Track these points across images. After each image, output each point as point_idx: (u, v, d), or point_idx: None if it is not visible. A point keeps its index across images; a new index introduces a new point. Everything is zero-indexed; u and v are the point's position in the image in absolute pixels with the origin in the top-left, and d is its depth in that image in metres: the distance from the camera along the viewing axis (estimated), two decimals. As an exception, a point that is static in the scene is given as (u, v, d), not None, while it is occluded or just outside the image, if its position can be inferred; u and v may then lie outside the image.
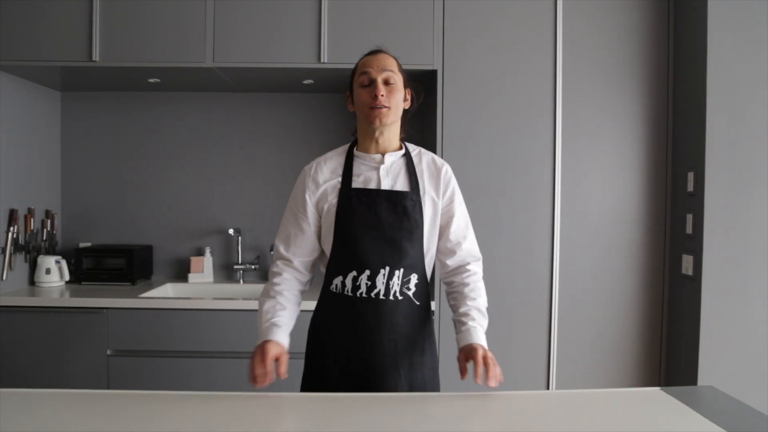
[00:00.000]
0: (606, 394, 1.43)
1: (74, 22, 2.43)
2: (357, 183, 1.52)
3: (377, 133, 1.52)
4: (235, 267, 2.93)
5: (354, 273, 1.47)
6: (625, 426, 1.18)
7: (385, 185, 1.52)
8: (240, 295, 2.83)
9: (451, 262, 1.59)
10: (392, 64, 1.54)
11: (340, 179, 1.53)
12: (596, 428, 1.16)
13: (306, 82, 2.72)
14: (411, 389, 1.51)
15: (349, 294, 1.48)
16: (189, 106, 2.99)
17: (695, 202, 2.38)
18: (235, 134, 3.00)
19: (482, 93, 2.48)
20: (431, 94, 2.53)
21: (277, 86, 2.84)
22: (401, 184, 1.54)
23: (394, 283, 1.48)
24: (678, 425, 1.19)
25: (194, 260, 2.90)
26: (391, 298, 1.48)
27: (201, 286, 2.86)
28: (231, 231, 2.92)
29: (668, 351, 2.55)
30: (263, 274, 2.98)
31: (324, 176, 1.55)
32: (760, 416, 1.26)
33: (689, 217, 2.42)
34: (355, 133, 1.62)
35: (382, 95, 1.48)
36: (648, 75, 2.52)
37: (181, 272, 2.97)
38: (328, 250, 1.53)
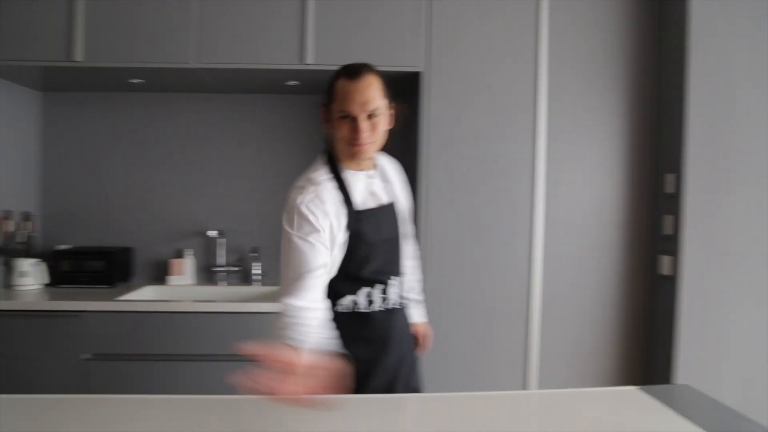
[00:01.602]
0: (583, 394, 1.43)
1: (55, 22, 2.41)
2: (359, 203, 1.48)
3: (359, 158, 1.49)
4: (216, 269, 2.91)
5: (367, 289, 1.49)
6: (601, 425, 1.18)
7: (383, 199, 1.54)
8: (221, 297, 2.80)
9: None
10: (375, 92, 1.41)
11: (343, 204, 1.45)
12: (573, 428, 1.17)
13: (290, 83, 2.72)
14: (416, 389, 1.61)
15: (363, 310, 1.49)
16: (171, 107, 2.97)
17: (675, 204, 2.41)
18: (218, 135, 2.99)
19: (466, 94, 2.49)
20: (415, 95, 2.54)
21: (261, 87, 2.84)
22: (388, 194, 1.58)
23: (399, 291, 1.56)
24: (654, 423, 1.19)
25: (174, 262, 2.87)
26: (398, 306, 1.56)
27: (181, 289, 2.84)
28: (212, 233, 2.90)
29: (648, 350, 2.57)
30: (245, 276, 2.96)
31: (326, 205, 1.41)
32: (733, 414, 1.27)
33: (669, 219, 2.45)
34: (327, 148, 1.53)
35: (366, 133, 1.40)
36: (632, 77, 2.55)
37: (161, 275, 2.94)
38: (332, 274, 1.47)
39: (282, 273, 1.38)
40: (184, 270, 2.88)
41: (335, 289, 1.46)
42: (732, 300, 2.41)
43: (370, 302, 1.49)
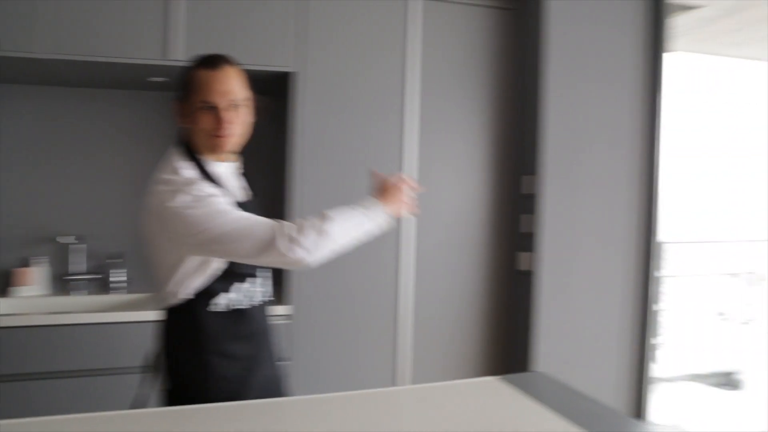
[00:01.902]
0: (447, 387, 1.49)
1: None
2: (235, 195, 1.46)
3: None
4: (72, 278, 2.68)
5: (240, 284, 1.44)
6: (461, 415, 1.24)
7: (249, 193, 1.53)
8: (78, 308, 2.58)
9: None
10: (236, 83, 1.40)
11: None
12: (434, 420, 1.20)
13: (155, 79, 2.57)
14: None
15: (239, 307, 1.44)
16: (17, 100, 2.69)
17: (533, 204, 2.59)
18: (74, 133, 2.74)
19: (339, 95, 2.50)
20: (286, 95, 2.50)
21: (123, 83, 2.65)
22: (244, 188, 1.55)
23: (268, 284, 1.57)
24: (511, 410, 1.26)
25: (20, 272, 2.60)
26: (267, 301, 1.56)
27: (31, 301, 2.58)
28: (66, 239, 2.66)
29: (512, 342, 2.73)
30: (103, 284, 2.74)
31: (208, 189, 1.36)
32: (583, 397, 1.38)
33: (527, 218, 2.63)
34: (182, 139, 1.48)
35: (227, 124, 1.38)
36: (497, 83, 2.70)
37: (2, 286, 2.65)
38: (206, 271, 1.40)
39: (227, 246, 1.30)
40: (33, 280, 2.61)
41: (207, 290, 1.40)
42: (583, 292, 2.64)
43: (244, 298, 1.44)
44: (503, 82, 2.72)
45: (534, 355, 2.58)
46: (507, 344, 2.75)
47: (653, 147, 2.72)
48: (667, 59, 2.72)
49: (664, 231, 2.77)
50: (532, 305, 2.59)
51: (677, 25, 3.58)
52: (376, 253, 2.55)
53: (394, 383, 2.58)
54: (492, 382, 1.44)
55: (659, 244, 2.75)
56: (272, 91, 2.63)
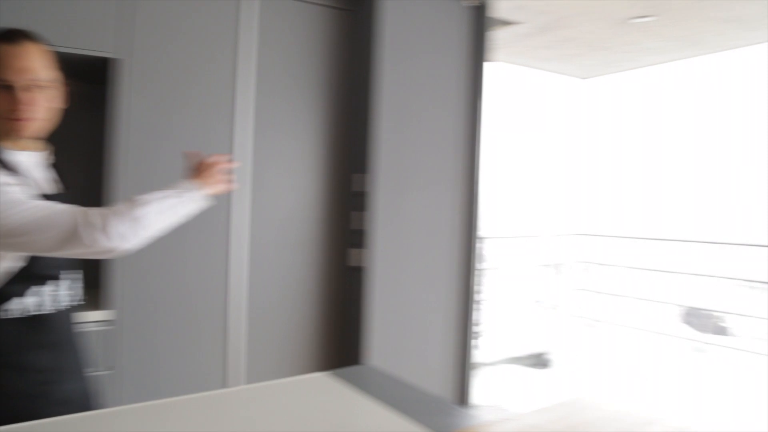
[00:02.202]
0: (275, 385, 1.47)
1: None
2: (42, 186, 1.32)
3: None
4: None
5: (39, 288, 1.28)
6: (290, 414, 1.23)
7: (59, 186, 1.39)
8: None
9: None
10: (38, 61, 1.27)
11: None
12: (261, 420, 1.18)
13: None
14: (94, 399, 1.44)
15: (36, 313, 1.28)
16: None
17: (364, 201, 2.67)
18: None
19: (167, 87, 2.35)
20: (104, 83, 2.30)
21: None
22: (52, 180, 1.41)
23: (72, 288, 1.41)
24: (339, 404, 1.29)
25: None
26: (71, 306, 1.40)
27: None
28: None
29: (346, 336, 2.79)
30: None
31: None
32: (409, 387, 1.45)
33: (358, 215, 2.70)
34: None
35: (25, 106, 1.24)
36: (334, 82, 2.73)
37: None
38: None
39: (25, 239, 1.18)
40: None
41: (10, 288, 1.25)
42: (412, 285, 2.77)
43: (45, 303, 1.30)
44: (338, 83, 2.75)
45: (367, 348, 2.65)
46: (342, 339, 2.80)
47: (474, 148, 2.93)
48: (488, 68, 2.95)
49: (484, 227, 3.00)
50: (363, 300, 2.66)
51: (498, 37, 3.90)
52: (205, 251, 2.45)
53: (226, 384, 2.50)
54: (322, 377, 1.45)
55: (480, 239, 2.98)
56: (96, 78, 2.40)
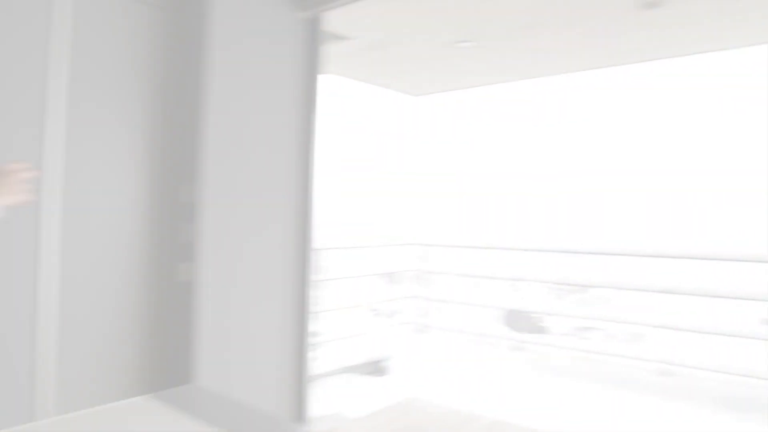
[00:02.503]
0: (89, 414, 1.34)
1: None
2: None
3: None
4: None
5: None
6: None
7: None
8: None
9: None
10: None
11: None
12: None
13: None
14: None
15: None
16: None
17: (192, 213, 2.54)
18: None
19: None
20: None
21: None
22: None
23: None
24: (165, 428, 1.19)
25: None
26: None
27: None
28: None
29: (174, 355, 2.62)
30: None
31: None
32: (240, 406, 1.39)
33: (186, 228, 2.56)
34: None
35: None
36: (159, 86, 2.56)
37: None
38: None
39: None
40: None
41: None
42: (245, 299, 2.68)
43: None
44: (164, 88, 2.59)
45: (195, 367, 2.51)
46: (169, 357, 2.62)
47: (308, 159, 2.93)
48: (322, 80, 2.98)
49: (320, 238, 3.01)
50: (192, 316, 2.52)
51: (332, 51, 3.96)
52: (7, 268, 2.16)
53: (33, 416, 2.22)
54: (143, 401, 1.35)
55: (316, 249, 2.98)
56: None
